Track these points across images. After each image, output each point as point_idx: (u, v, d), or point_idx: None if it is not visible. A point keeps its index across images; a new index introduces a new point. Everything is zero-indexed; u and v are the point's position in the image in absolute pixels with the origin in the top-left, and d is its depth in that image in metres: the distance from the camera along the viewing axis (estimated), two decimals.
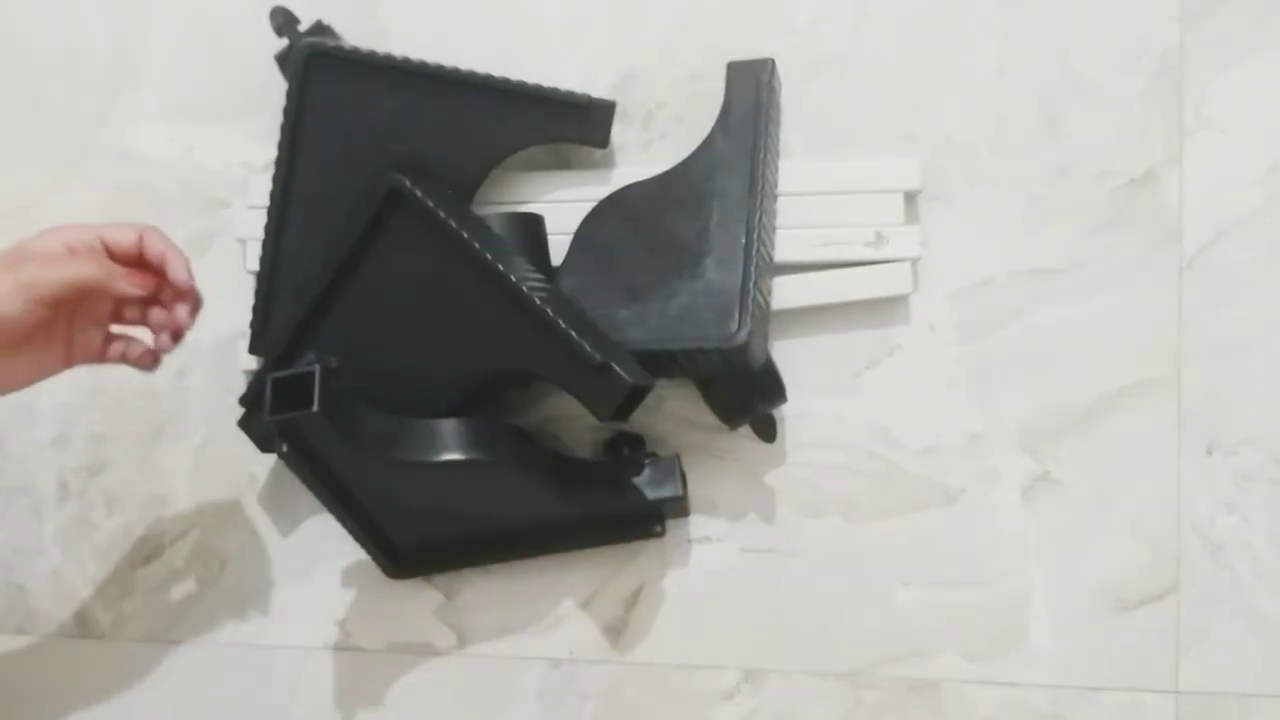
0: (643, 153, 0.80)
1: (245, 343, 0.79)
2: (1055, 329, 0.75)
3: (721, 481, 0.78)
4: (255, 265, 0.80)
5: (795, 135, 0.78)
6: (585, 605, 0.79)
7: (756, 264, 0.71)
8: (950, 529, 0.75)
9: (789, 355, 0.76)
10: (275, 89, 0.78)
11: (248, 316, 0.79)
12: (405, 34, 0.82)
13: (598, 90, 0.77)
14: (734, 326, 0.70)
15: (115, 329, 0.73)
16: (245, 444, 0.78)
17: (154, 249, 0.71)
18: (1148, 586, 0.73)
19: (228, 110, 0.85)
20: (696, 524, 0.78)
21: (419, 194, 0.74)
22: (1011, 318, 0.76)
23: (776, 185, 0.76)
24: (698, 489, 0.77)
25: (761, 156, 0.74)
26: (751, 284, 0.71)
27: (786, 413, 0.76)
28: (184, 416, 0.84)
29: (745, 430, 0.76)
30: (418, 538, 0.78)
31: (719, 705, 0.77)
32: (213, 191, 0.85)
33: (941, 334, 0.76)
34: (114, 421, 0.85)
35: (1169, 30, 0.76)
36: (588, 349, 0.70)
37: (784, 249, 0.76)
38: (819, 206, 0.77)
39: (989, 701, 0.74)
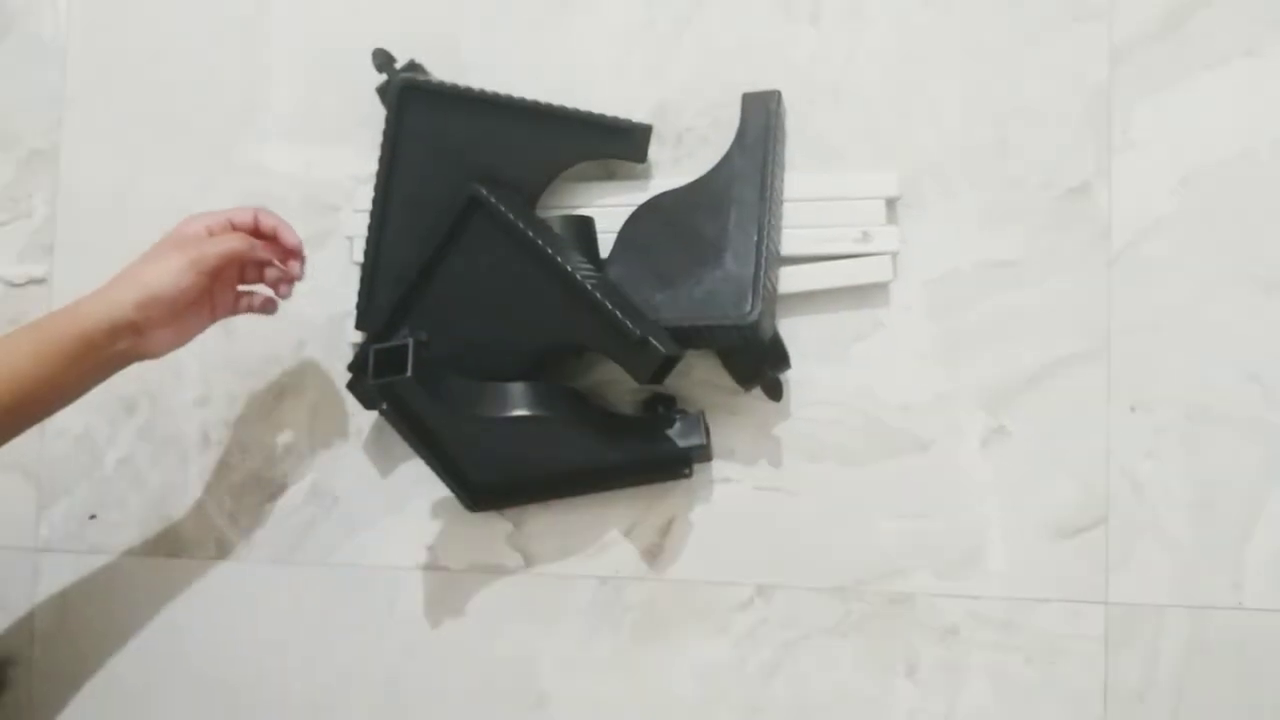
0: (674, 167, 0.85)
1: (352, 320, 0.86)
2: (1008, 310, 0.81)
3: (738, 433, 0.83)
4: (360, 257, 0.85)
5: (798, 153, 0.84)
6: (627, 533, 0.85)
7: (766, 256, 0.77)
8: (923, 471, 0.81)
9: (793, 330, 0.82)
10: (376, 115, 0.85)
11: (354, 298, 0.86)
12: (482, 70, 0.87)
13: (637, 116, 0.84)
14: (748, 307, 0.76)
15: (242, 288, 0.83)
16: (352, 403, 0.86)
17: (267, 223, 0.81)
18: (1082, 518, 0.79)
19: (338, 132, 0.91)
20: (718, 468, 0.83)
21: (494, 200, 0.79)
22: (973, 301, 0.81)
23: (782, 193, 0.82)
24: (718, 439, 0.83)
25: (770, 170, 0.79)
26: (762, 272, 0.76)
27: (790, 378, 0.82)
28: (302, 380, 0.90)
29: (757, 391, 0.81)
30: (492, 478, 0.83)
31: (735, 614, 0.83)
32: (326, 198, 0.91)
33: (916, 314, 0.82)
34: (246, 384, 0.91)
35: (1100, 67, 0.80)
36: (629, 325, 0.75)
37: (789, 244, 0.81)
38: (816, 210, 0.82)
39: (954, 610, 0.80)
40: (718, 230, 0.79)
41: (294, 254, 0.82)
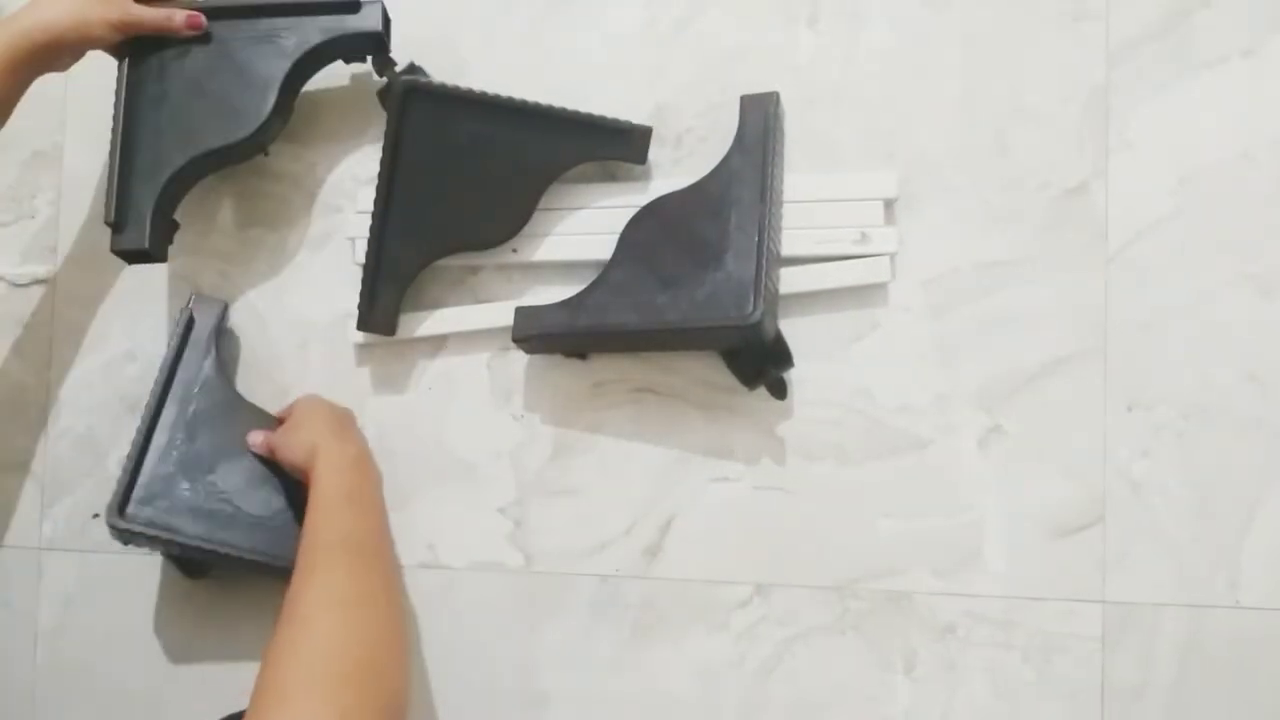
0: (674, 168, 0.86)
1: (353, 320, 0.86)
2: (1006, 310, 0.81)
3: (737, 433, 0.84)
4: (362, 258, 0.85)
5: (797, 153, 0.84)
6: (627, 532, 0.85)
7: (767, 258, 0.78)
8: (921, 471, 0.82)
9: (791, 331, 0.82)
10: (377, 117, 0.87)
11: (355, 300, 0.85)
12: (482, 71, 0.88)
13: (637, 118, 0.84)
14: (750, 308, 0.76)
15: None
16: (353, 400, 0.88)
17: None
18: (1079, 517, 0.80)
19: (341, 135, 0.91)
20: (717, 466, 0.84)
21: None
22: (971, 301, 0.82)
23: (782, 194, 0.82)
24: (719, 439, 0.84)
25: (770, 171, 0.80)
26: (763, 274, 0.77)
27: (789, 378, 0.82)
28: (305, 378, 0.90)
29: (756, 391, 0.82)
30: None
31: (734, 612, 0.83)
32: (329, 200, 0.91)
33: (914, 314, 0.82)
34: (250, 383, 0.90)
35: (1097, 69, 0.81)
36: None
37: (788, 245, 0.82)
38: (816, 211, 0.82)
39: (951, 609, 0.81)
40: (718, 231, 0.80)
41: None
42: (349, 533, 0.74)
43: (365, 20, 0.86)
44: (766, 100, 0.82)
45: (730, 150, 0.82)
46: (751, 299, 0.77)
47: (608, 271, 0.82)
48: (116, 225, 0.82)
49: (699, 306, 0.78)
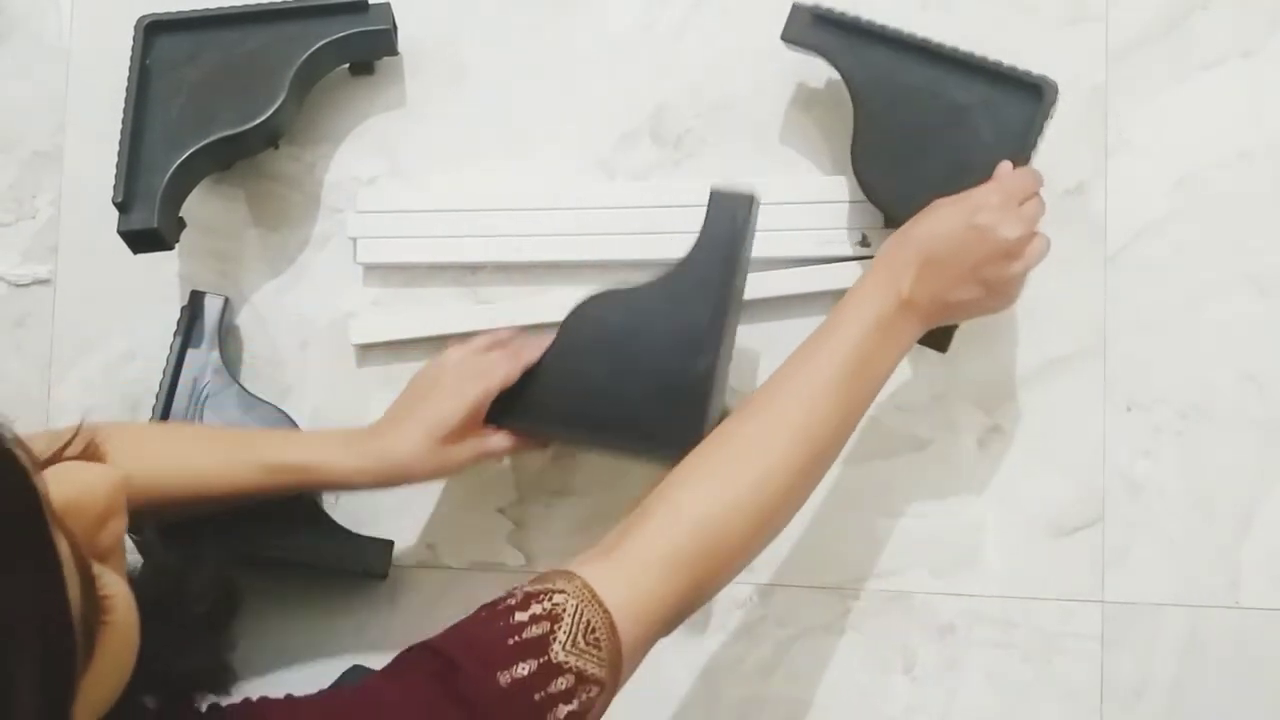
0: (674, 168, 0.86)
1: (354, 321, 0.86)
2: (1005, 310, 0.78)
3: None
4: (365, 259, 0.86)
5: (798, 154, 0.84)
6: None
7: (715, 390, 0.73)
8: (920, 471, 0.82)
9: (792, 333, 0.77)
10: (378, 118, 0.88)
11: (358, 300, 0.87)
12: (482, 71, 0.88)
13: (637, 118, 0.85)
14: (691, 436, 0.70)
15: None
16: (354, 400, 0.87)
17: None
18: (1078, 517, 0.80)
19: (340, 135, 0.90)
20: None
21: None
22: None
23: (740, 305, 0.77)
24: None
25: (728, 289, 0.73)
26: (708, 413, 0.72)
27: None
28: (305, 380, 0.90)
29: None
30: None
31: (735, 612, 0.83)
32: (329, 200, 0.90)
33: None
34: (250, 383, 0.88)
35: (1096, 70, 0.82)
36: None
37: (792, 246, 0.82)
38: (820, 213, 0.83)
39: (950, 609, 0.81)
40: (662, 350, 0.74)
41: None
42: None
43: (374, 20, 0.86)
44: (736, 204, 0.73)
45: (691, 252, 0.74)
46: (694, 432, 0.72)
47: (549, 360, 0.77)
48: (124, 205, 0.81)
49: (636, 428, 0.75)
